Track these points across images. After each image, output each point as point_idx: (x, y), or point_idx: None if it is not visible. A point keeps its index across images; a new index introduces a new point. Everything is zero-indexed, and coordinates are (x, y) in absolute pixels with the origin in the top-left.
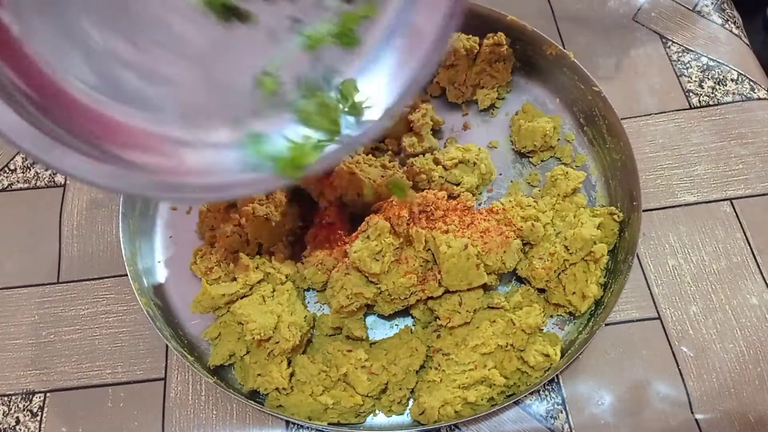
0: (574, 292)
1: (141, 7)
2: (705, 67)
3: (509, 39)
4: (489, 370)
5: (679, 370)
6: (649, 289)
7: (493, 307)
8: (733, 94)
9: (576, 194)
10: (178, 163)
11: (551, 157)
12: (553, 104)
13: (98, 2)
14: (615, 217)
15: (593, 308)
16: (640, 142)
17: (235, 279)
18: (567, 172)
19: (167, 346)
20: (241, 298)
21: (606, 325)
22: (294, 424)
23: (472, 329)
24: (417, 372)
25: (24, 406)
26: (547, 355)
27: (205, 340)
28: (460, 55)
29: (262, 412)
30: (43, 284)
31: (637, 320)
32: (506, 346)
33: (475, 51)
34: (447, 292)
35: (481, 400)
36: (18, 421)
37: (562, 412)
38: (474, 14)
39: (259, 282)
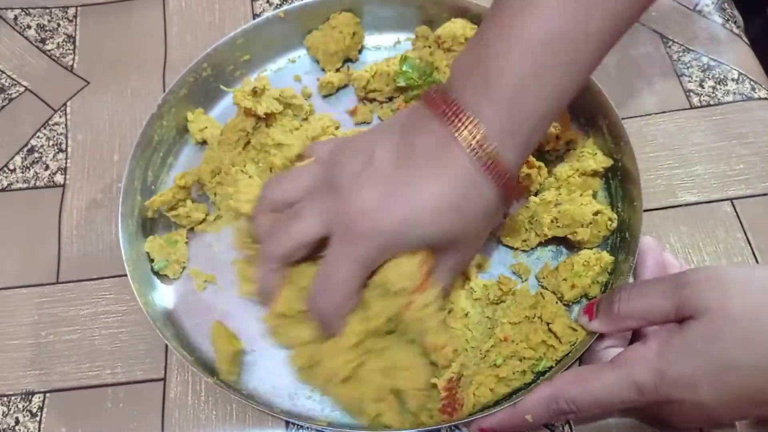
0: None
1: None
2: (705, 66)
3: None
4: (517, 344)
5: None
6: None
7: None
8: (734, 93)
9: (594, 177)
10: None
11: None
12: None
13: None
14: (609, 221)
15: None
16: (640, 142)
17: None
18: (596, 153)
19: (167, 346)
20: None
21: None
22: (294, 424)
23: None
24: None
25: (23, 406)
26: (575, 330)
27: (205, 340)
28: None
29: (262, 412)
30: (43, 284)
31: None
32: (533, 318)
33: None
34: None
35: (513, 374)
36: (17, 422)
37: None
38: (474, 14)
39: None
